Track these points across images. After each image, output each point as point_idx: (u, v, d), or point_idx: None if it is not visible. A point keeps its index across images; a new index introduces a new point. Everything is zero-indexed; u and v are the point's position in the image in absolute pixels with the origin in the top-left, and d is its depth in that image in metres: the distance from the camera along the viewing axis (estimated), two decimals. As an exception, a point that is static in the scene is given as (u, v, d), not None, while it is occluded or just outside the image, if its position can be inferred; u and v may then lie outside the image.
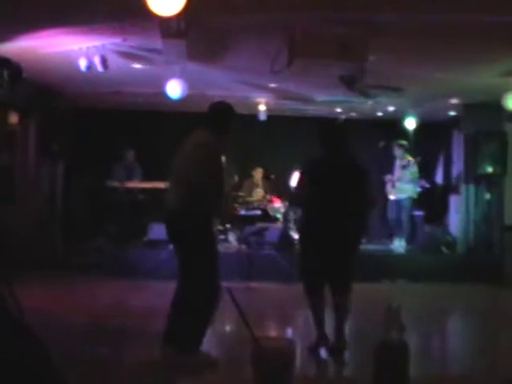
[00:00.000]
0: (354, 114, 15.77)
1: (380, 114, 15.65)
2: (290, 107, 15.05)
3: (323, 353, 7.24)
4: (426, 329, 8.88)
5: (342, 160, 7.43)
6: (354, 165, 7.50)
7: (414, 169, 14.89)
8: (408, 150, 15.06)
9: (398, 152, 14.98)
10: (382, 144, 15.10)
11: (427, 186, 15.68)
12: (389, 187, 14.99)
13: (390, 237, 15.14)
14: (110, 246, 13.60)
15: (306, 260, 7.37)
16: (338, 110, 15.18)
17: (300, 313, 7.55)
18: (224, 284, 6.49)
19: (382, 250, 14.89)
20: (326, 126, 7.92)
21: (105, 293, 11.06)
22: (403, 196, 14.83)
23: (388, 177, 14.99)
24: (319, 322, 7.34)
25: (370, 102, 13.50)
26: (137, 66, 10.90)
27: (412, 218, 15.06)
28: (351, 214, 7.30)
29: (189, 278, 6.60)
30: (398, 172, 14.97)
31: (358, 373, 6.73)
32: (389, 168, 15.15)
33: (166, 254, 12.83)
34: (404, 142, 15.02)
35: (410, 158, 14.95)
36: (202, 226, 6.69)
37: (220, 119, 6.91)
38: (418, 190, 15.01)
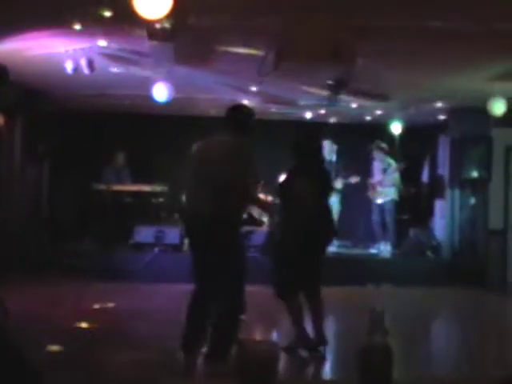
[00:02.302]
0: (338, 118, 15.81)
1: (366, 118, 15.67)
2: (277, 111, 15.06)
3: (303, 353, 7.30)
4: (410, 332, 8.92)
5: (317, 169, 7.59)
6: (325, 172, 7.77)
7: (395, 174, 14.92)
8: (389, 154, 15.10)
9: (377, 155, 15.02)
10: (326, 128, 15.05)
11: (411, 191, 15.76)
12: (370, 191, 15.03)
13: (375, 241, 15.17)
14: (95, 249, 13.56)
15: (288, 263, 7.43)
16: (323, 111, 15.16)
17: (285, 315, 7.55)
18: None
19: (366, 254, 14.92)
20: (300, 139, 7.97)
21: (90, 295, 11.03)
22: (386, 199, 14.86)
23: (370, 180, 15.02)
24: (302, 323, 7.43)
25: (352, 105, 13.54)
26: (123, 68, 10.89)
27: (396, 221, 15.09)
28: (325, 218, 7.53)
29: (222, 284, 6.46)
30: (378, 175, 15.00)
31: (342, 375, 6.74)
32: (369, 171, 15.20)
33: (151, 257, 12.85)
34: (383, 145, 15.06)
35: (391, 162, 14.98)
36: (237, 231, 6.69)
37: (243, 122, 6.77)
38: (397, 193, 15.01)
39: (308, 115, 15.40)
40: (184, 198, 7.22)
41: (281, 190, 7.73)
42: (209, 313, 6.54)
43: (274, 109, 14.93)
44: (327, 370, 7.42)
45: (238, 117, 6.80)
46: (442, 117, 14.93)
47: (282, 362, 5.86)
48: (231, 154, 6.47)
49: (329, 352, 7.54)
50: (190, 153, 6.84)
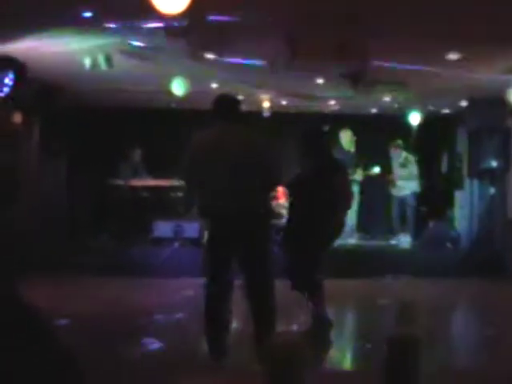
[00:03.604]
0: (356, 110, 15.78)
1: (384, 109, 15.64)
2: (295, 104, 15.06)
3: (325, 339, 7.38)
4: (431, 323, 8.90)
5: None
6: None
7: (413, 166, 14.91)
8: (406, 149, 15.08)
9: (394, 153, 15.00)
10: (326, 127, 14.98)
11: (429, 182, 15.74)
12: (391, 187, 15.03)
13: (394, 232, 15.15)
14: (114, 245, 13.61)
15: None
16: (339, 106, 15.17)
17: (296, 308, 7.61)
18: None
19: (386, 246, 14.89)
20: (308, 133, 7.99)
21: (109, 291, 11.07)
22: (406, 193, 14.85)
23: (391, 175, 15.00)
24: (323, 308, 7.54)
25: (373, 98, 13.52)
26: (140, 64, 10.90)
27: (416, 213, 15.07)
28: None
29: (258, 276, 6.45)
30: (396, 170, 14.99)
31: (367, 367, 6.73)
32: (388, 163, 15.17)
33: (170, 252, 12.87)
34: (399, 142, 15.04)
35: (408, 156, 14.97)
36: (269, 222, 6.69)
37: (236, 111, 6.65)
38: (418, 186, 14.98)
39: (325, 108, 15.38)
40: (200, 193, 6.70)
41: (292, 187, 7.78)
42: (230, 307, 6.55)
43: (289, 102, 14.93)
44: (351, 362, 7.45)
45: (231, 106, 6.67)
46: (460, 108, 14.86)
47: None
48: (254, 147, 6.41)
49: (353, 343, 7.57)
50: (193, 147, 6.60)
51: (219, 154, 6.29)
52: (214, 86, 12.87)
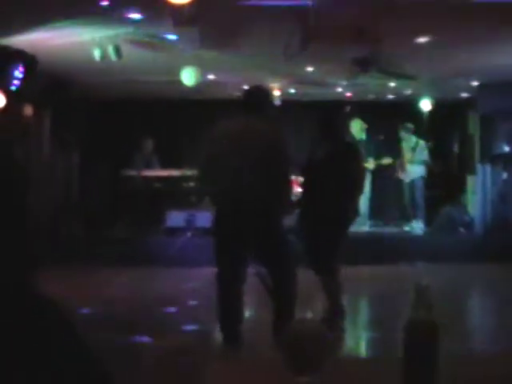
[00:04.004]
0: (367, 97, 15.74)
1: (395, 95, 15.60)
2: (305, 92, 15.04)
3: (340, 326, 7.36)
4: (447, 308, 8.89)
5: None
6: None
7: (424, 152, 14.87)
8: (416, 133, 15.03)
9: (404, 136, 14.95)
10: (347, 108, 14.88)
11: (442, 167, 15.69)
12: (399, 170, 14.98)
13: (407, 219, 15.12)
14: (127, 235, 13.64)
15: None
16: (350, 93, 15.15)
17: (315, 297, 7.60)
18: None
19: (399, 233, 14.87)
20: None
21: (123, 281, 11.10)
22: (416, 176, 14.81)
23: (400, 160, 14.95)
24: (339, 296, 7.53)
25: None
26: (150, 54, 10.90)
27: (428, 198, 15.03)
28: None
29: (283, 270, 6.48)
30: (407, 154, 14.92)
31: (386, 352, 6.73)
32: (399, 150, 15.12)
33: (183, 241, 12.89)
34: (410, 125, 14.98)
35: (419, 140, 14.93)
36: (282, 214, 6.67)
37: (268, 104, 6.70)
38: (426, 170, 14.94)
39: (336, 95, 15.34)
40: (214, 183, 6.62)
41: (306, 172, 7.74)
42: (242, 295, 6.56)
43: (299, 90, 14.91)
44: (371, 347, 7.46)
45: (258, 99, 6.66)
46: (471, 92, 14.81)
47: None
48: (272, 139, 6.38)
49: (371, 329, 7.57)
50: (212, 136, 6.61)
51: (238, 146, 6.30)
52: (224, 75, 12.86)
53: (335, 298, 7.45)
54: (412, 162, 14.75)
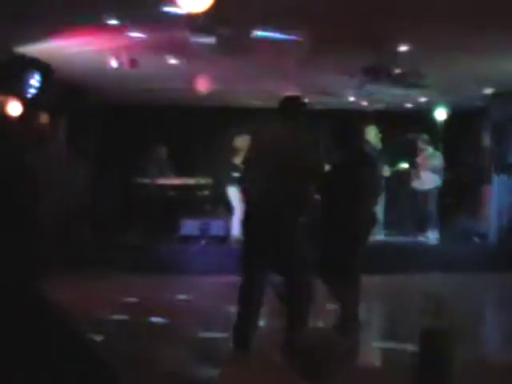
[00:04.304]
0: (381, 106, 15.72)
1: (409, 105, 15.58)
2: (319, 101, 15.03)
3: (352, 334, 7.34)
4: (463, 318, 8.86)
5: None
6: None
7: (438, 161, 14.82)
8: (432, 144, 14.99)
9: (421, 145, 14.91)
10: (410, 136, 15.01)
11: (456, 177, 15.63)
12: (415, 179, 14.94)
13: (422, 228, 15.07)
14: (140, 242, 13.65)
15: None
16: (365, 102, 15.15)
17: (326, 305, 7.60)
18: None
19: (413, 242, 14.82)
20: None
21: (136, 288, 11.10)
22: (430, 186, 14.75)
23: (415, 169, 14.92)
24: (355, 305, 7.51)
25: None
26: (165, 62, 10.93)
27: (443, 208, 14.97)
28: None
29: (298, 278, 6.51)
30: (424, 163, 14.87)
31: (401, 360, 6.71)
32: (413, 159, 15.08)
33: (197, 249, 12.89)
34: (426, 136, 14.94)
35: (434, 151, 14.89)
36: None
37: (299, 113, 6.81)
38: (440, 180, 14.89)
39: (350, 104, 15.33)
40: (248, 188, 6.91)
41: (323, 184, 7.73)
42: (262, 303, 6.58)
43: (314, 99, 14.90)
44: (384, 356, 7.42)
45: (293, 107, 6.81)
46: (485, 101, 14.77)
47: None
48: (304, 147, 6.51)
49: (385, 338, 7.55)
50: (251, 142, 7.02)
51: (265, 153, 6.47)
52: (239, 83, 12.88)
53: (352, 310, 7.41)
54: (427, 169, 14.69)
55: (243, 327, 6.53)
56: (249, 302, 6.55)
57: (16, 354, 1.56)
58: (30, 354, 1.58)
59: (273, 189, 6.33)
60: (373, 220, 7.90)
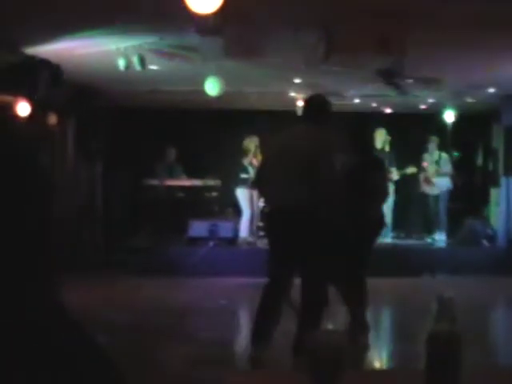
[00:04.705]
0: (390, 108, 15.71)
1: (418, 107, 15.55)
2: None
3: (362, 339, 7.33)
4: (472, 321, 8.84)
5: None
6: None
7: (447, 164, 14.79)
8: (441, 146, 14.97)
9: (431, 148, 14.87)
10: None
11: (460, 182, 15.59)
12: (425, 185, 14.89)
13: (430, 231, 15.05)
14: (150, 244, 13.66)
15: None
16: (374, 104, 15.15)
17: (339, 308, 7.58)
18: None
19: (421, 244, 14.81)
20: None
21: (145, 290, 11.12)
22: (441, 190, 14.73)
23: (423, 173, 14.87)
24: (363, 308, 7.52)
25: (407, 97, 13.43)
26: (174, 63, 10.92)
27: (451, 210, 14.95)
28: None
29: (315, 278, 6.53)
30: (431, 167, 14.83)
31: (408, 363, 6.71)
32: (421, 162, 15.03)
33: (205, 251, 12.88)
34: (435, 138, 14.92)
35: (443, 154, 14.86)
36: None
37: (324, 113, 6.75)
38: (451, 184, 14.86)
39: (359, 106, 15.32)
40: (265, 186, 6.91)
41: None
42: (281, 306, 6.56)
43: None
44: (393, 359, 7.43)
45: (316, 107, 6.76)
46: (495, 104, 14.73)
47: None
48: (325, 147, 6.49)
49: (394, 340, 7.53)
50: (271, 143, 6.97)
51: (286, 154, 6.47)
52: (248, 85, 12.88)
53: (360, 311, 7.41)
54: (438, 174, 14.67)
55: (265, 320, 6.50)
56: (272, 301, 6.54)
57: (25, 353, 1.56)
58: (39, 353, 1.58)
59: (295, 190, 6.33)
60: (380, 222, 7.90)
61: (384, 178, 7.88)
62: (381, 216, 7.86)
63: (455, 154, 15.06)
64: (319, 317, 6.38)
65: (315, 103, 6.81)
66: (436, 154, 14.83)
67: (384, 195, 7.82)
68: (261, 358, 6.34)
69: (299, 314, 6.49)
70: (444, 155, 14.87)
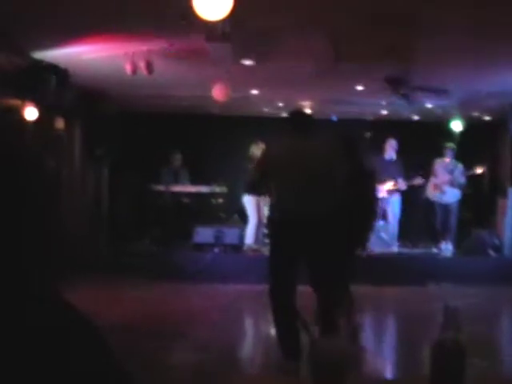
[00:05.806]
0: (398, 117, 15.69)
1: (425, 116, 15.54)
2: (336, 110, 15.02)
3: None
4: (477, 330, 8.81)
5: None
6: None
7: (462, 174, 14.69)
8: (454, 153, 14.90)
9: (449, 154, 14.74)
10: (368, 134, 14.83)
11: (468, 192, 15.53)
12: (434, 191, 14.79)
13: (436, 240, 14.98)
14: (155, 249, 13.66)
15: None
16: (384, 112, 15.14)
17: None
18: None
19: (428, 254, 14.75)
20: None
21: (150, 295, 11.11)
22: (452, 200, 14.63)
23: (434, 180, 14.76)
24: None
25: (412, 106, 13.42)
26: (181, 69, 10.93)
27: (458, 220, 14.89)
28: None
29: (332, 285, 6.56)
30: (444, 175, 14.72)
31: (412, 372, 6.69)
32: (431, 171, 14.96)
33: (211, 257, 12.87)
34: (452, 145, 14.82)
35: (458, 163, 14.77)
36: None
37: (314, 126, 6.96)
38: (461, 194, 14.81)
39: (367, 114, 15.32)
40: (272, 200, 6.99)
41: None
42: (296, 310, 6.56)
43: (330, 109, 14.89)
44: (398, 368, 7.41)
45: (305, 120, 7.02)
46: (502, 113, 14.70)
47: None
48: (332, 156, 6.72)
49: (399, 349, 7.52)
50: (265, 155, 7.04)
51: (296, 164, 6.54)
52: (255, 91, 12.88)
53: (350, 317, 7.43)
54: (452, 185, 14.54)
55: (288, 335, 6.49)
56: (282, 304, 6.52)
57: (34, 353, 1.54)
58: (48, 354, 1.56)
59: (307, 198, 6.44)
60: (363, 237, 7.98)
61: (373, 190, 8.00)
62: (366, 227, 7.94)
63: (479, 171, 14.92)
64: (336, 324, 6.41)
65: (306, 118, 7.18)
66: (452, 162, 14.68)
67: (371, 208, 7.92)
68: (295, 369, 6.27)
69: (318, 323, 6.48)
70: (460, 165, 14.70)
